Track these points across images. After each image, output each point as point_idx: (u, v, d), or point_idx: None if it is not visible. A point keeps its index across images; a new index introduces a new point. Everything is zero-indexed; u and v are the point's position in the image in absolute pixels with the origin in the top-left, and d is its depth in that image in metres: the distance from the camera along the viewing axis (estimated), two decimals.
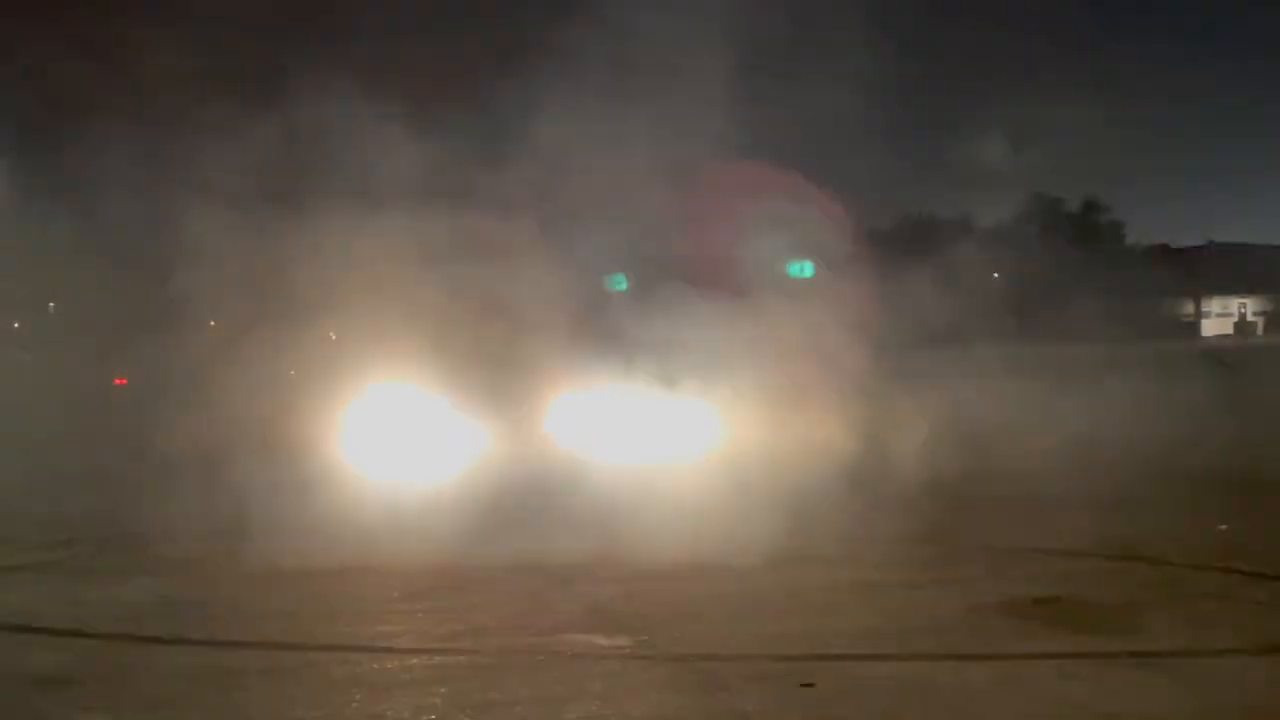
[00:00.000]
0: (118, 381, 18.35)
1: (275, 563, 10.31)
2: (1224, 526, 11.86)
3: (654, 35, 14.45)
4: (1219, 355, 35.45)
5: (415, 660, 7.95)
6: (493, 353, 12.74)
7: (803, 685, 7.14)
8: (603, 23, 14.57)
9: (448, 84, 15.08)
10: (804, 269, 15.07)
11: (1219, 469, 15.37)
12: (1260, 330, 62.47)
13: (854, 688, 7.13)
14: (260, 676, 7.54)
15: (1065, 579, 9.93)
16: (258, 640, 8.43)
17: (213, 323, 13.47)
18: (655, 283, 13.62)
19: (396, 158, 13.17)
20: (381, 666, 7.81)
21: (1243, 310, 67.58)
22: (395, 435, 12.75)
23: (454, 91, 15.02)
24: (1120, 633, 8.30)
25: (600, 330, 13.28)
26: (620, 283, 15.59)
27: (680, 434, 12.93)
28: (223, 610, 9.25)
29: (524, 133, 14.18)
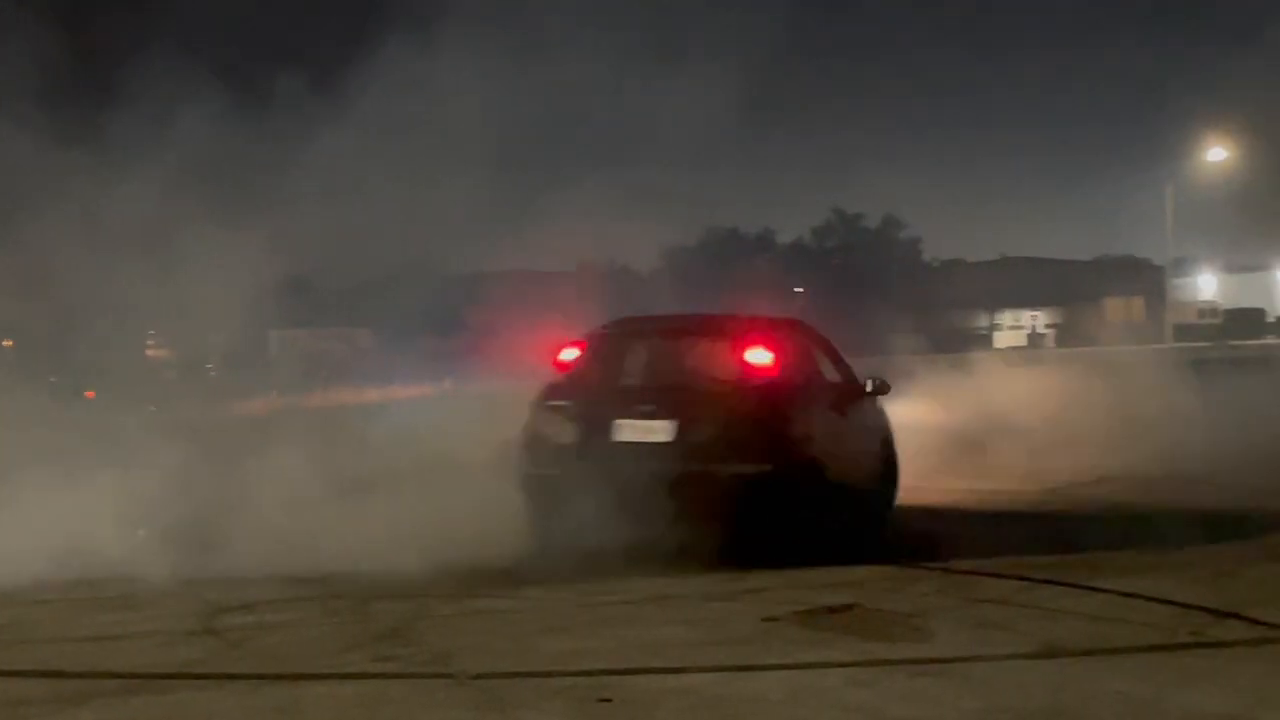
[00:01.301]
0: None
1: None
2: None
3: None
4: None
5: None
6: None
7: (600, 700, 7.17)
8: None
9: None
10: None
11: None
12: (1051, 342, 64.61)
13: (650, 701, 7.17)
14: None
15: (858, 587, 10.16)
16: None
17: None
18: None
19: None
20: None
21: (1034, 322, 69.95)
22: None
23: None
24: (909, 639, 8.51)
25: None
26: None
27: None
28: None
29: None
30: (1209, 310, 73.38)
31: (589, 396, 11.82)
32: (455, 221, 16.96)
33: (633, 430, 11.42)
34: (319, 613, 9.66)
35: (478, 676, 7.75)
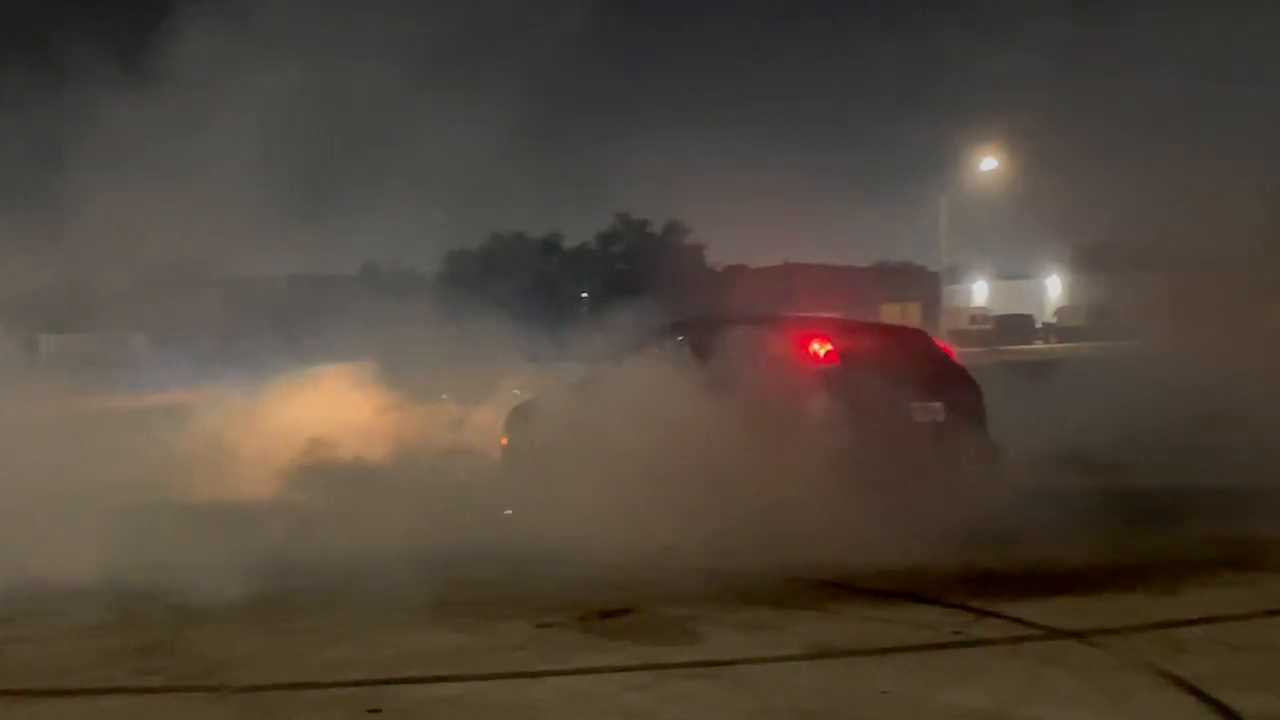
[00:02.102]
0: None
1: None
2: None
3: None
4: None
5: None
6: None
7: (370, 711, 7.07)
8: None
9: None
10: None
11: None
12: None
13: (421, 711, 7.12)
14: None
15: (636, 590, 10.21)
16: None
17: None
18: None
19: None
20: None
21: None
22: None
23: None
24: (683, 643, 8.58)
25: None
26: None
27: None
28: None
29: None
30: (980, 316, 75.65)
31: (879, 382, 13.34)
32: (229, 225, 16.70)
33: (923, 411, 13.68)
34: (79, 624, 9.33)
35: (245, 689, 7.59)
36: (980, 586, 10.09)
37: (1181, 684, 7.29)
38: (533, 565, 11.20)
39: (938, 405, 13.89)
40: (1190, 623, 8.87)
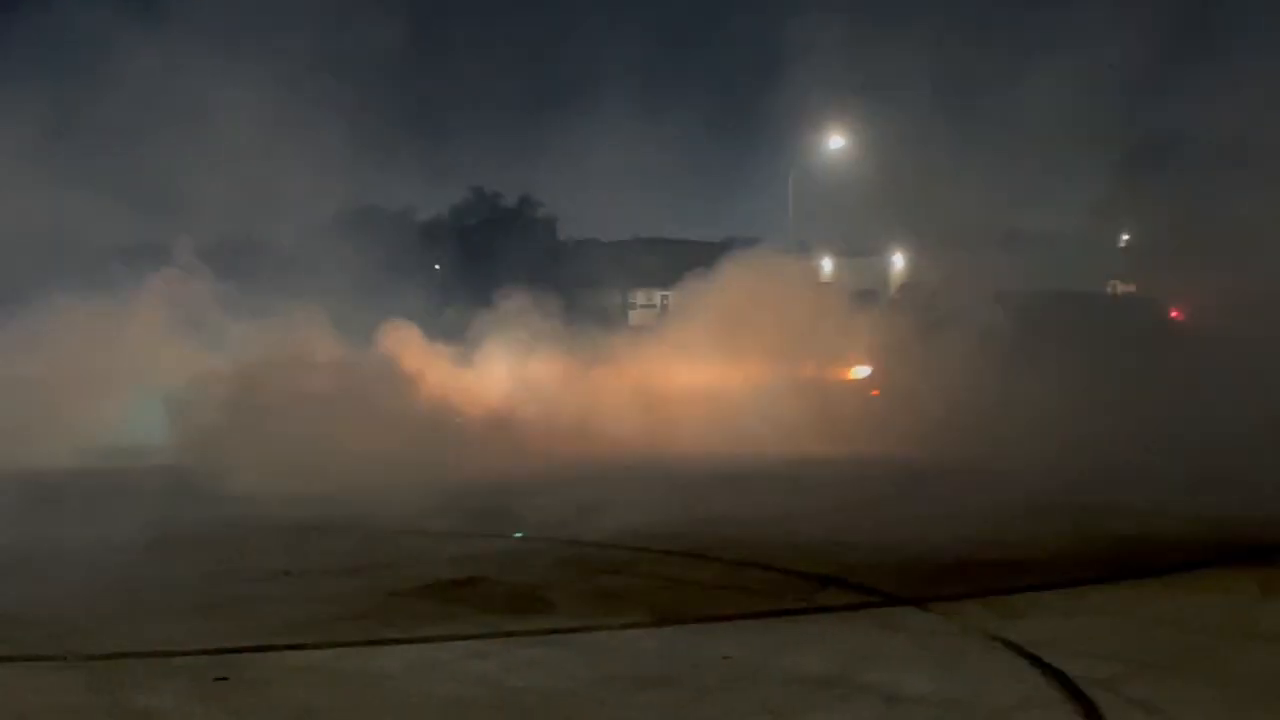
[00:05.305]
0: None
1: None
2: None
3: None
4: None
5: None
6: None
7: (216, 679, 7.04)
8: None
9: None
10: None
11: None
12: None
13: (268, 679, 7.09)
14: None
15: (484, 561, 10.27)
16: None
17: None
18: None
19: None
20: None
21: (665, 301, 71.73)
22: None
23: None
24: (531, 611, 8.66)
25: None
26: None
27: None
28: None
29: None
30: None
31: None
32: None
33: None
34: None
35: (93, 657, 7.49)
36: (826, 556, 10.32)
37: (1014, 648, 7.54)
38: (384, 534, 11.22)
39: None
40: (1025, 590, 9.17)
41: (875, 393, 19.93)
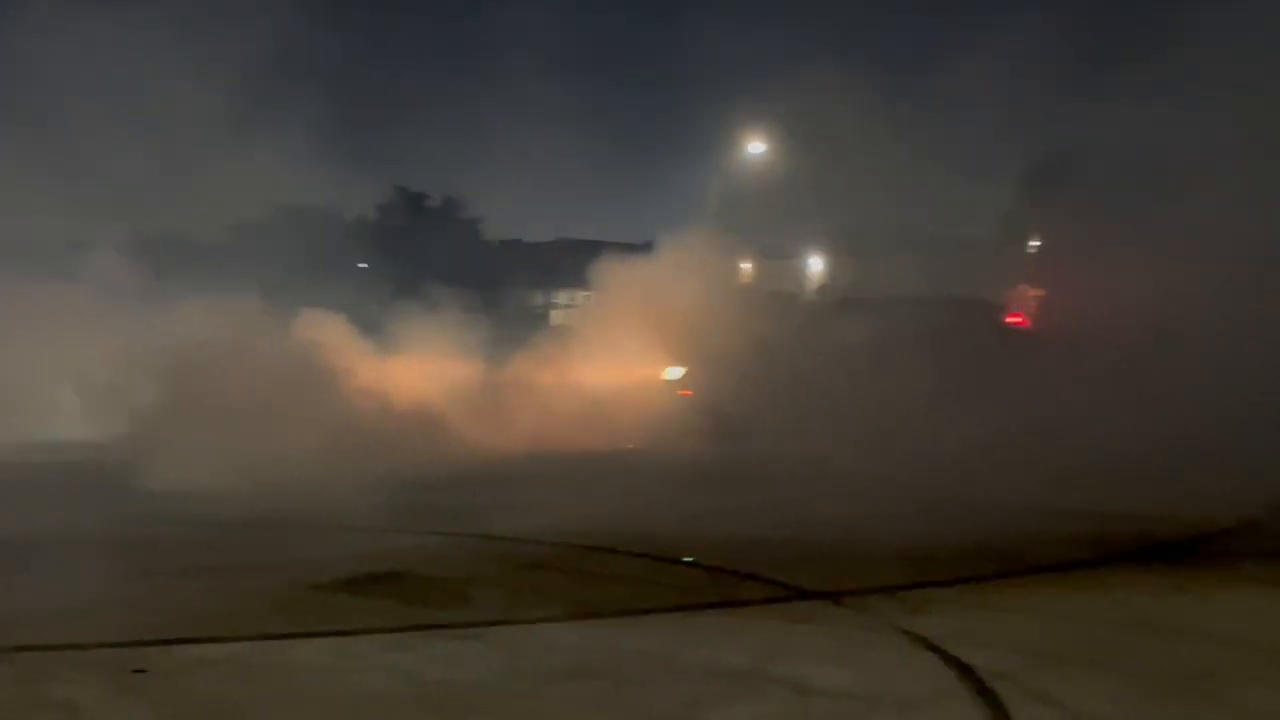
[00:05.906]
0: None
1: None
2: None
3: None
4: None
5: None
6: None
7: (134, 671, 7.06)
8: None
9: None
10: None
11: None
12: None
13: (184, 671, 7.11)
14: None
15: (406, 555, 10.35)
16: None
17: None
18: None
19: None
20: None
21: (587, 302, 71.87)
22: None
23: None
24: (450, 605, 8.74)
25: None
26: None
27: None
28: None
29: None
30: None
31: None
32: None
33: None
34: None
35: (9, 650, 7.49)
36: (743, 553, 10.48)
37: (920, 641, 7.71)
38: (306, 529, 11.27)
39: None
40: (933, 585, 9.37)
41: (686, 393, 20.30)
